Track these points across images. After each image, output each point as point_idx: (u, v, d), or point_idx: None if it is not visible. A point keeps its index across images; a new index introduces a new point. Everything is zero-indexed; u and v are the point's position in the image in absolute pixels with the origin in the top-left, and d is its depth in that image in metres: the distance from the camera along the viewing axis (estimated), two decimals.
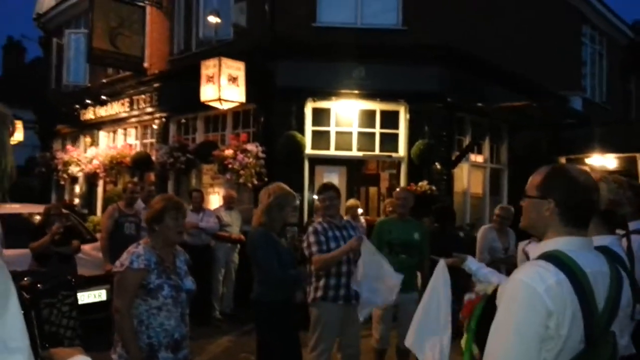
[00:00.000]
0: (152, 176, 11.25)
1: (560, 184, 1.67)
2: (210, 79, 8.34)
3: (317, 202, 4.93)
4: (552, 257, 1.58)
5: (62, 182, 14.31)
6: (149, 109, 11.45)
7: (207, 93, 8.41)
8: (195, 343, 5.76)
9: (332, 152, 8.96)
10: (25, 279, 2.24)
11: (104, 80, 12.92)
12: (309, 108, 8.89)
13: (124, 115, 12.24)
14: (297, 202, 7.92)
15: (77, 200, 14.07)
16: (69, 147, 14.04)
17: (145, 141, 12.00)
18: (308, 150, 8.75)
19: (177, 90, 10.31)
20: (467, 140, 9.58)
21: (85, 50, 11.75)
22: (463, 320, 2.03)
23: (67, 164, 13.23)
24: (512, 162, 10.24)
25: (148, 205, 4.40)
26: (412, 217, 5.01)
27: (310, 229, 4.31)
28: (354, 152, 8.98)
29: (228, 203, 7.66)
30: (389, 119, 8.98)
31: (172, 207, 2.99)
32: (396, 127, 8.96)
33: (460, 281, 3.27)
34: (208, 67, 8.39)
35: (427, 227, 5.37)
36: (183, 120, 10.84)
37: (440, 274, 2.98)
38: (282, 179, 4.81)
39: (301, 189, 8.60)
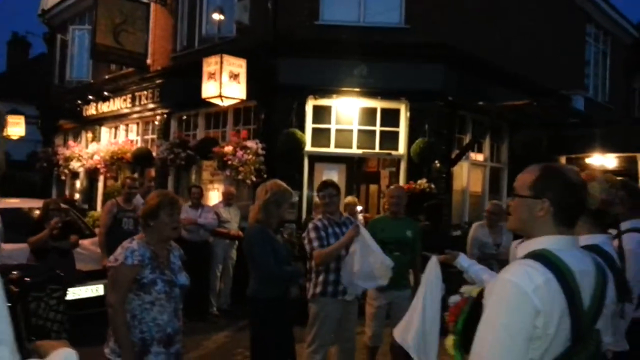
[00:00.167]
0: (152, 172, 11.28)
1: (555, 184, 1.66)
2: (211, 75, 8.35)
3: (317, 199, 4.95)
4: (540, 257, 1.58)
5: (63, 178, 14.37)
6: (151, 105, 11.47)
7: (208, 90, 8.43)
8: (192, 338, 5.80)
9: (332, 149, 8.96)
10: (14, 272, 2.26)
11: (107, 76, 12.96)
12: (309, 105, 8.89)
13: (126, 111, 12.27)
14: (295, 199, 7.94)
15: (77, 196, 14.12)
16: (70, 142, 14.08)
17: (146, 137, 12.03)
18: (308, 147, 8.75)
19: (179, 87, 10.33)
20: (467, 139, 9.57)
21: (89, 46, 11.77)
22: (449, 323, 2.03)
23: (68, 159, 13.28)
24: (513, 161, 10.22)
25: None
26: (406, 215, 5.02)
27: (311, 225, 4.35)
28: (354, 150, 8.98)
29: (227, 199, 7.68)
30: (390, 117, 8.97)
31: (168, 203, 2.99)
32: (397, 125, 8.95)
33: (452, 278, 3.28)
34: (210, 64, 8.41)
35: (419, 225, 5.38)
36: (184, 117, 10.86)
37: (433, 270, 3.00)
38: (282, 176, 4.84)
39: (300, 186, 8.62)
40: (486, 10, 9.45)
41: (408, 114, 8.80)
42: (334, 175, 8.68)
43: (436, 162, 8.59)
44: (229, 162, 8.55)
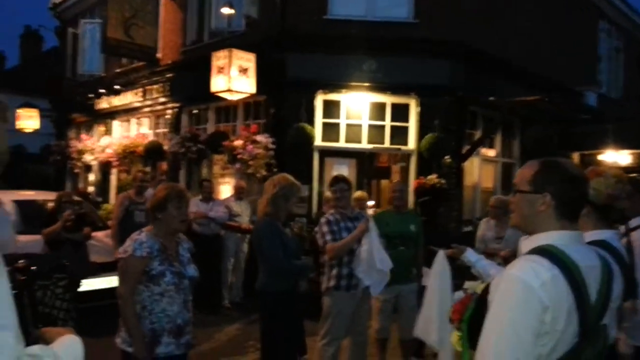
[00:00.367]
0: (164, 165, 11.35)
1: (556, 178, 1.65)
2: (220, 70, 8.38)
3: (329, 193, 4.98)
4: (546, 252, 1.58)
5: (77, 171, 14.49)
6: (162, 99, 11.53)
7: (218, 84, 8.46)
8: (204, 331, 5.87)
9: (342, 144, 8.97)
10: (21, 261, 2.30)
11: (118, 70, 13.04)
12: (319, 100, 8.89)
13: (137, 105, 12.35)
14: (305, 193, 7.96)
15: (91, 189, 14.24)
16: (83, 135, 14.19)
17: (157, 131, 12.09)
18: (318, 142, 8.77)
19: (190, 81, 10.37)
20: (478, 134, 9.52)
21: (100, 39, 11.84)
22: (453, 320, 2.04)
23: (81, 152, 13.41)
24: (525, 157, 10.15)
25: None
26: (409, 210, 5.06)
27: (323, 219, 4.39)
28: (364, 145, 8.97)
29: (238, 193, 7.72)
30: (400, 112, 8.95)
31: (175, 196, 3.01)
32: (406, 120, 8.93)
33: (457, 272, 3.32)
34: (219, 58, 8.43)
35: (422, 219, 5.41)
36: (195, 111, 10.91)
37: (441, 264, 3.07)
38: (292, 170, 4.86)
39: (310, 180, 8.64)
40: (497, 5, 9.37)
41: (418, 109, 8.77)
42: (344, 169, 8.67)
43: (446, 157, 8.57)
44: (239, 156, 8.59)
